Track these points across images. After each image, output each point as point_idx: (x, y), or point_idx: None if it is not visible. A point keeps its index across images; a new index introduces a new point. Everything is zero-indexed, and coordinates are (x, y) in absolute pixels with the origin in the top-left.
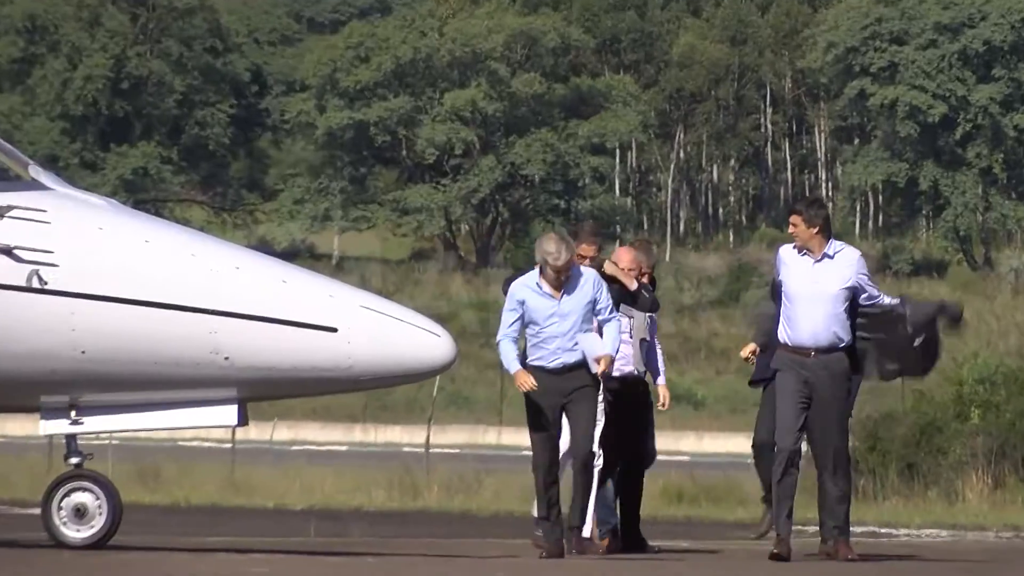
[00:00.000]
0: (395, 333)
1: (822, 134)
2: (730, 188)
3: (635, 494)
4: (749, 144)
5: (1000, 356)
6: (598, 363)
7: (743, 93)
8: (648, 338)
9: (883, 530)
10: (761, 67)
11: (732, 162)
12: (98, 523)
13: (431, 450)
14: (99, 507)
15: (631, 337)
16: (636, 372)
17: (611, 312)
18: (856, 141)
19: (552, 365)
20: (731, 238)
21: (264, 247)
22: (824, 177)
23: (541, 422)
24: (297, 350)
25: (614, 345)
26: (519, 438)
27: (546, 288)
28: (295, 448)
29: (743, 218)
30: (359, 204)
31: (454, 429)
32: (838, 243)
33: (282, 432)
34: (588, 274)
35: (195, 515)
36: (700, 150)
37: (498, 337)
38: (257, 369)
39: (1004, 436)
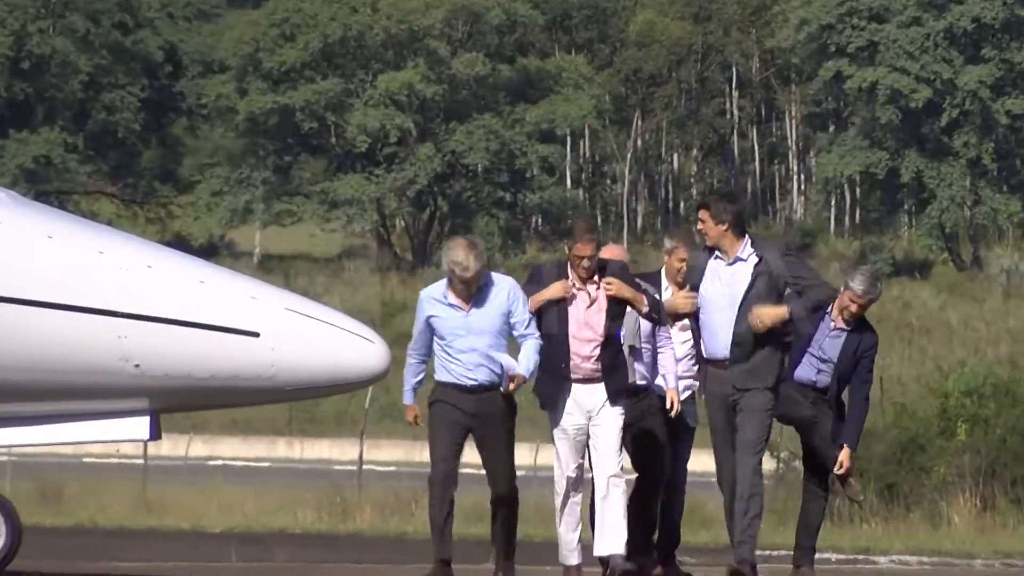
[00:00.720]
0: (324, 338)
1: (793, 120)
2: (692, 180)
3: (645, 516)
4: (713, 131)
5: (989, 365)
6: (511, 381)
7: (707, 75)
8: (639, 345)
9: (861, 556)
10: (727, 47)
11: (694, 151)
12: None
13: (364, 467)
14: None
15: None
16: (636, 383)
17: (528, 327)
18: (831, 128)
19: (461, 383)
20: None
21: (179, 244)
22: (796, 168)
23: (441, 440)
24: (215, 357)
25: (528, 364)
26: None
27: (454, 300)
28: (212, 464)
29: None
30: (283, 197)
31: (389, 445)
32: (759, 243)
33: (198, 447)
34: (503, 284)
35: (103, 538)
36: (659, 138)
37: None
38: (171, 377)
39: (994, 454)
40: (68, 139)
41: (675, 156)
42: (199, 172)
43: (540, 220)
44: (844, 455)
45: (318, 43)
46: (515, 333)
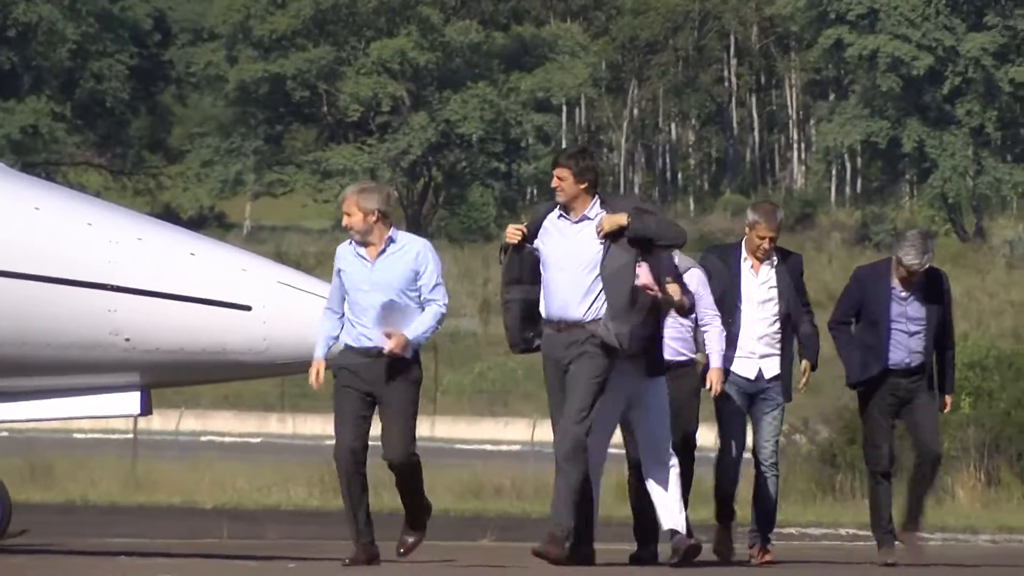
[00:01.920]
0: (316, 312)
1: (793, 89)
2: (690, 150)
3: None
4: (711, 100)
5: (992, 338)
6: (387, 339)
7: (704, 43)
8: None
9: (863, 532)
10: (724, 13)
11: (692, 120)
12: None
13: None
14: None
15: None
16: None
17: (435, 291)
18: (831, 97)
19: (361, 344)
20: (691, 205)
21: (169, 216)
22: (796, 137)
23: (341, 411)
24: (207, 331)
25: (419, 329)
26: (454, 429)
27: (363, 251)
28: (204, 439)
29: (705, 183)
30: (274, 167)
31: None
32: (609, 201)
33: (189, 422)
34: (415, 243)
35: (93, 514)
36: (656, 107)
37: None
38: (162, 352)
39: (998, 427)
40: (55, 109)
41: (672, 125)
42: (189, 142)
43: (536, 191)
44: (948, 401)
45: (309, 10)
46: (421, 296)
